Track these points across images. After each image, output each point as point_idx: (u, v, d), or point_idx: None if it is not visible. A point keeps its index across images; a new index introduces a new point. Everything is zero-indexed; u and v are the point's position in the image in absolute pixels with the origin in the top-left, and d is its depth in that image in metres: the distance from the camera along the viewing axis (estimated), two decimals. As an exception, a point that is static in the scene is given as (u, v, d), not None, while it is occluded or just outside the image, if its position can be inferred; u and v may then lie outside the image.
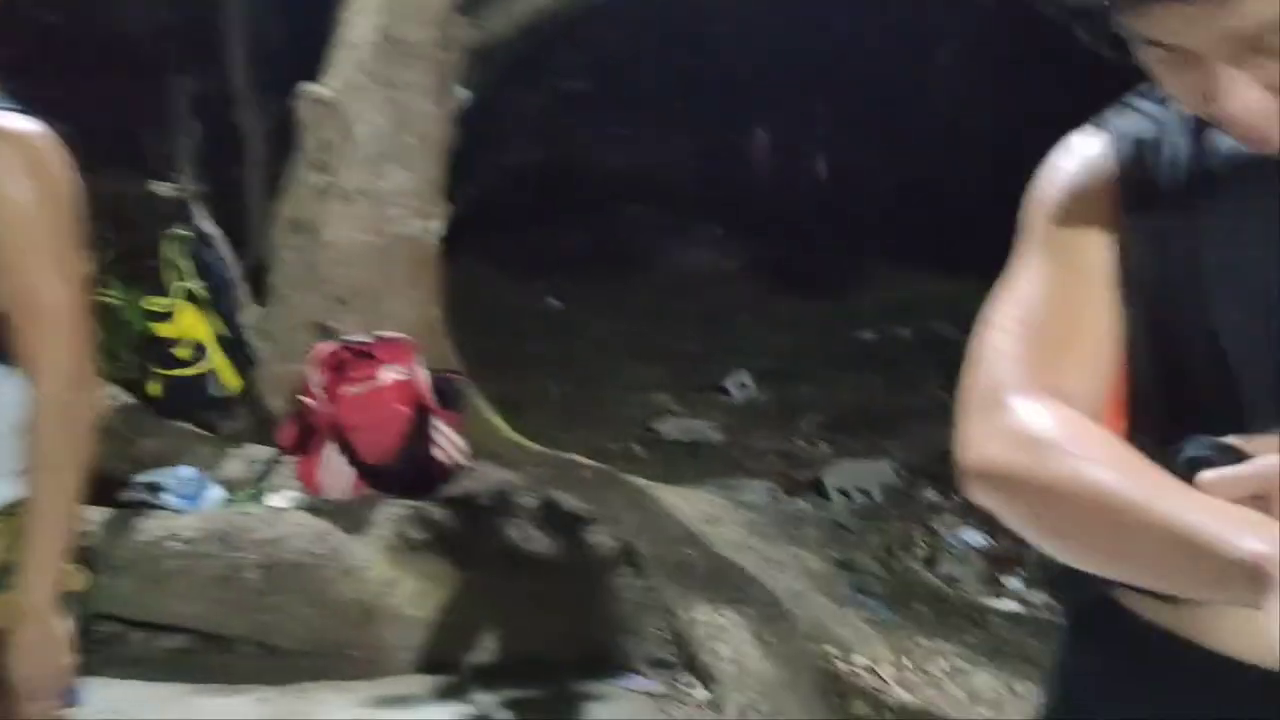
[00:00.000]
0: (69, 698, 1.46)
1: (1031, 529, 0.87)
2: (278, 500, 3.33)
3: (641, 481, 3.53)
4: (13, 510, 1.40)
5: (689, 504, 3.41)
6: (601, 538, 3.20)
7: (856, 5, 7.77)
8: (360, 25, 3.57)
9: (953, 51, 9.37)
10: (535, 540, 3.20)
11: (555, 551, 3.19)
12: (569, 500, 3.32)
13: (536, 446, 3.71)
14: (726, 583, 3.06)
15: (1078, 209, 0.94)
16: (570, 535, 3.22)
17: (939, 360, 7.22)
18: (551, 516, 3.26)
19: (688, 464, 5.75)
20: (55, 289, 1.38)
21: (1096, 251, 0.92)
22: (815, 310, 8.93)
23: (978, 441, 0.89)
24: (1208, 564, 0.72)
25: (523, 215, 9.91)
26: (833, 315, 8.75)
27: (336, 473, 3.28)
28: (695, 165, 11.67)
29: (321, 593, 3.09)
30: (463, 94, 4.07)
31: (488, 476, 3.39)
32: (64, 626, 1.41)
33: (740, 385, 7.13)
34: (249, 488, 3.38)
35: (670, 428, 6.24)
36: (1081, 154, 0.96)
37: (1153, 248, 0.90)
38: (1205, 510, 0.74)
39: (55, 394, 1.37)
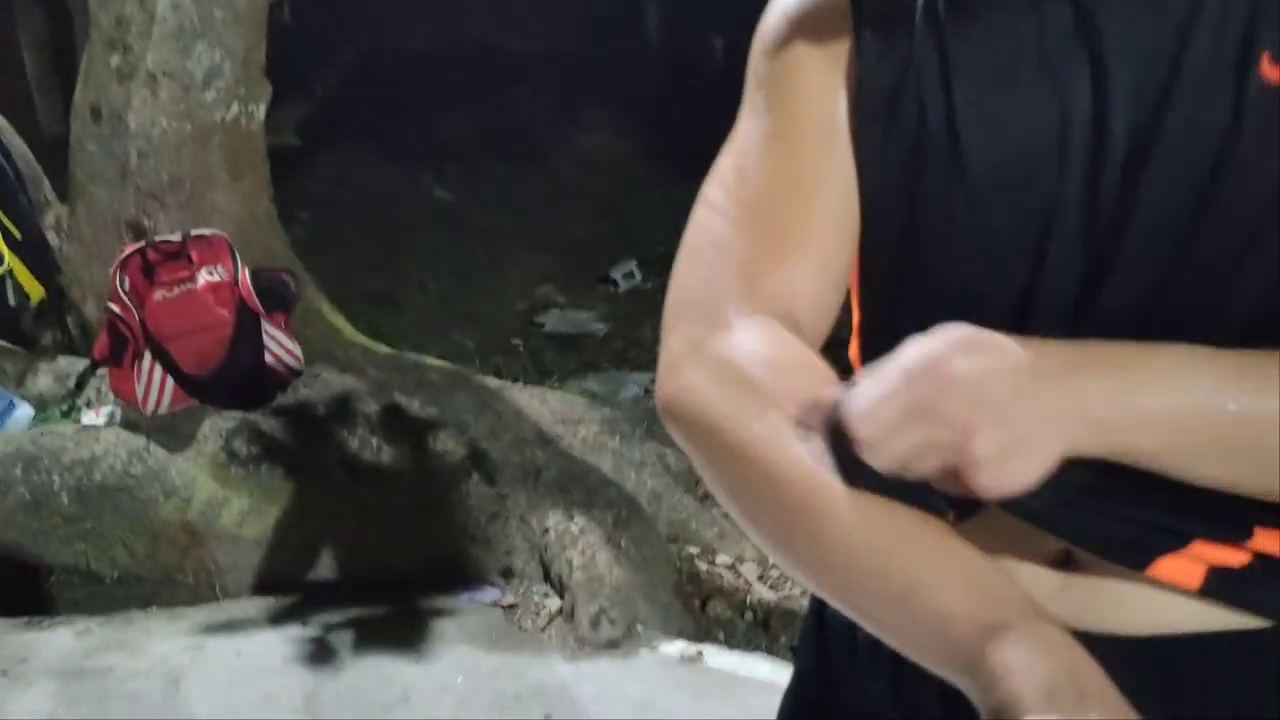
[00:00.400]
0: None
1: (724, 498, 0.67)
2: (92, 417, 3.04)
3: (494, 383, 3.31)
4: None
5: (545, 405, 3.20)
6: (449, 444, 2.98)
7: None
8: None
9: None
10: (377, 449, 2.97)
11: (398, 460, 2.97)
12: (414, 405, 3.09)
13: (383, 348, 3.45)
14: (581, 486, 2.88)
15: (804, 36, 0.71)
16: (415, 443, 3.00)
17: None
18: (394, 423, 3.03)
19: (570, 357, 5.57)
20: None
21: (825, 95, 0.70)
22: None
23: (677, 366, 0.69)
24: (933, 637, 0.54)
25: (408, 102, 9.47)
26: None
27: (154, 385, 3.00)
28: (588, 44, 11.21)
29: (142, 515, 2.85)
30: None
31: (326, 383, 3.13)
32: None
33: (627, 275, 6.90)
34: (61, 404, 3.09)
35: (554, 321, 6.05)
36: None
37: (891, 82, 0.67)
38: (949, 564, 0.56)
39: None
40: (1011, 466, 0.53)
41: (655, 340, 0.73)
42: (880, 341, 0.62)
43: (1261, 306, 0.60)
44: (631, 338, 5.81)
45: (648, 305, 6.51)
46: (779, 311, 0.69)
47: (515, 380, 3.60)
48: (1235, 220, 0.60)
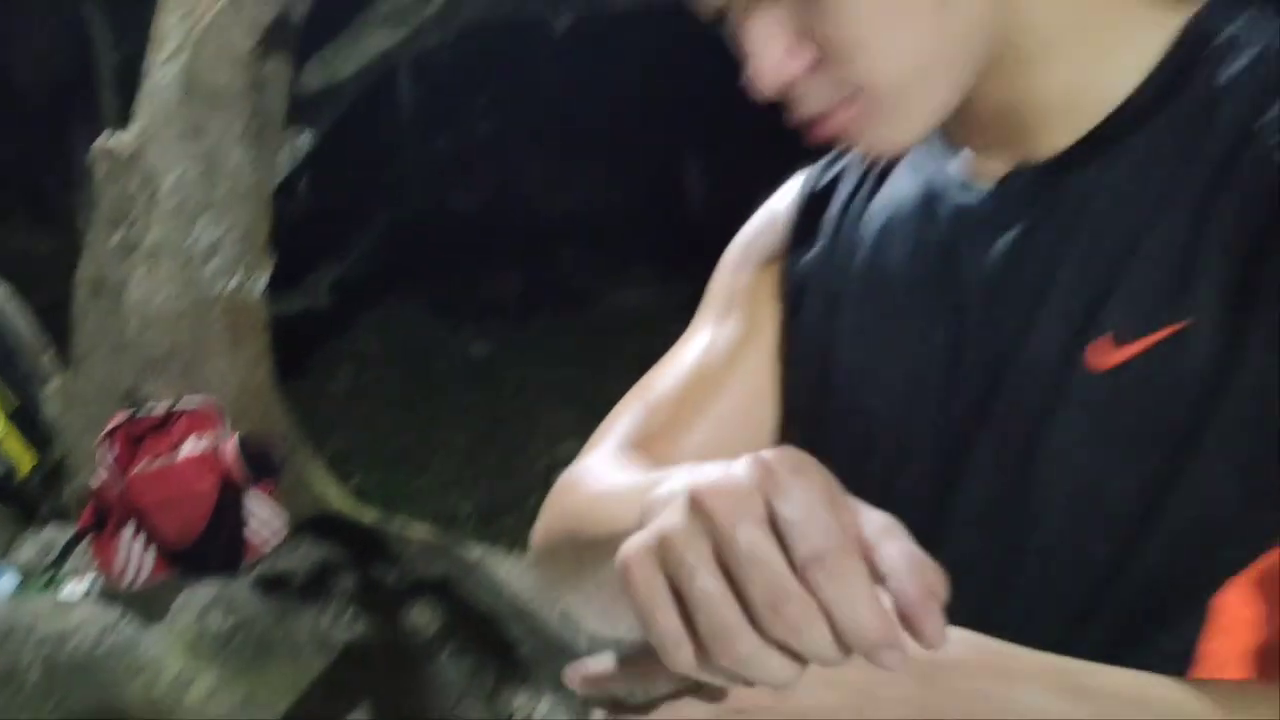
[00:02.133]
0: None
1: (577, 597, 0.71)
2: (74, 587, 3.04)
3: (477, 552, 3.25)
4: None
5: (526, 577, 3.13)
6: (423, 618, 2.91)
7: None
8: (163, 71, 3.32)
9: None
10: (350, 623, 2.91)
11: (370, 636, 2.90)
12: (391, 576, 3.04)
13: (370, 514, 3.42)
14: (553, 666, 2.78)
15: (750, 258, 0.78)
16: (388, 616, 2.93)
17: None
18: (369, 597, 2.98)
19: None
20: None
21: (757, 307, 0.76)
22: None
23: (540, 520, 0.75)
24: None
25: (453, 259, 9.75)
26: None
27: (134, 556, 2.99)
28: (630, 203, 11.49)
29: (108, 693, 2.80)
30: (301, 137, 3.83)
31: (306, 554, 3.11)
32: None
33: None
34: (44, 575, 3.09)
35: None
36: (781, 194, 0.79)
37: (808, 306, 0.73)
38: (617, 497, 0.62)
39: None
40: None
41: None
42: None
43: (1049, 586, 0.59)
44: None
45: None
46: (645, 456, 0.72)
47: (520, 543, 3.53)
48: (1048, 506, 0.58)
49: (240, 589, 2.98)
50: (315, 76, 3.82)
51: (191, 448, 3.03)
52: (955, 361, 0.62)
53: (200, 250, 3.32)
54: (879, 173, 0.72)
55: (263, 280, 3.49)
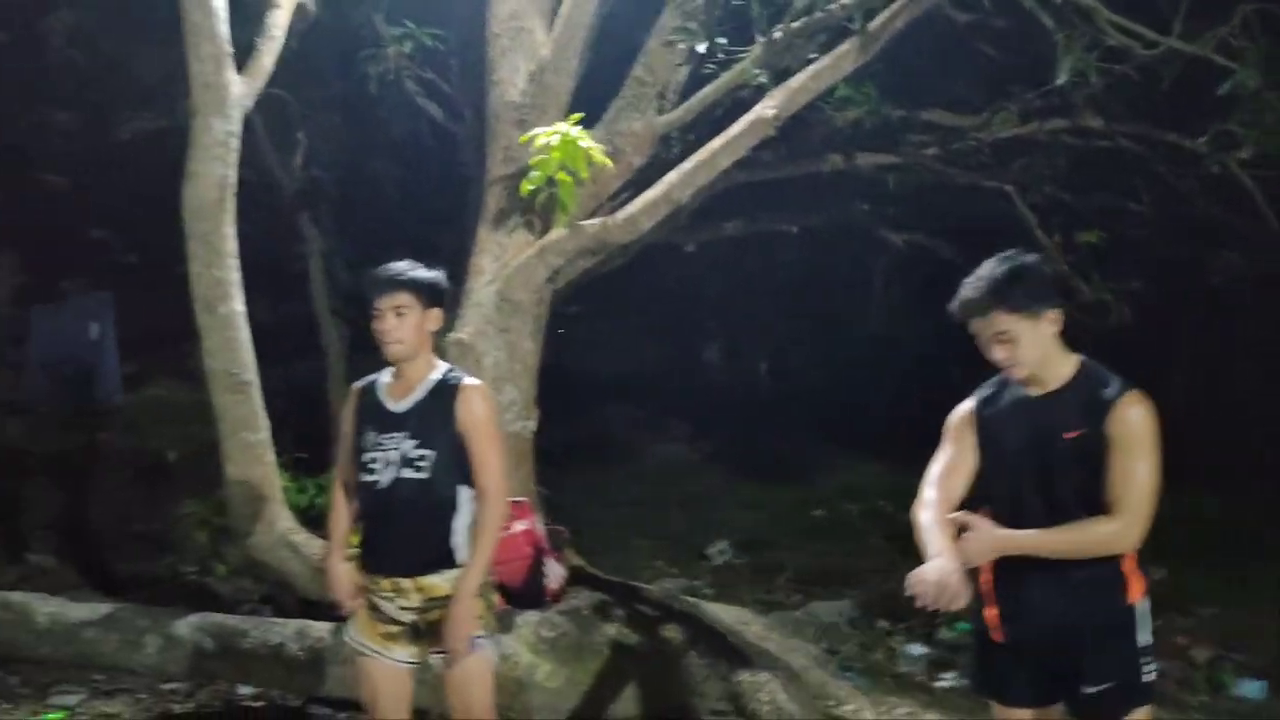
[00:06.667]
0: (475, 646, 2.98)
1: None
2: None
3: (690, 599, 5.05)
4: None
5: (726, 613, 4.92)
6: (672, 633, 4.70)
7: (803, 244, 9.75)
8: (484, 291, 5.26)
9: (882, 283, 11.49)
10: (627, 635, 4.68)
11: (641, 642, 4.67)
12: (645, 607, 4.82)
13: (607, 576, 5.22)
14: (761, 659, 4.56)
15: (959, 420, 2.72)
16: (651, 631, 4.71)
17: (880, 529, 8.88)
18: (635, 619, 4.76)
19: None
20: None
21: (966, 437, 2.68)
22: (775, 494, 10.60)
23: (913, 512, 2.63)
24: None
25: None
26: (791, 497, 10.42)
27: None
28: (666, 370, 13.49)
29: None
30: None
31: (584, 596, 4.89)
32: (479, 604, 2.94)
33: (720, 551, 8.67)
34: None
35: (669, 585, 7.69)
36: (972, 395, 2.73)
37: (984, 433, 2.66)
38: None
39: (493, 497, 2.96)
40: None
41: (752, 600, 2.37)
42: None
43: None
44: (733, 596, 7.46)
45: (741, 574, 8.23)
46: (942, 493, 2.63)
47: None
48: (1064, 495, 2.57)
49: (552, 614, 4.74)
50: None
51: (518, 527, 4.83)
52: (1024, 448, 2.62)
53: (503, 405, 5.19)
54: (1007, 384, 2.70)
55: (533, 424, 5.36)
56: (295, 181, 8.21)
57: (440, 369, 3.16)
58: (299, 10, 5.18)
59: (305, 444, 6.70)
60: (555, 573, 4.87)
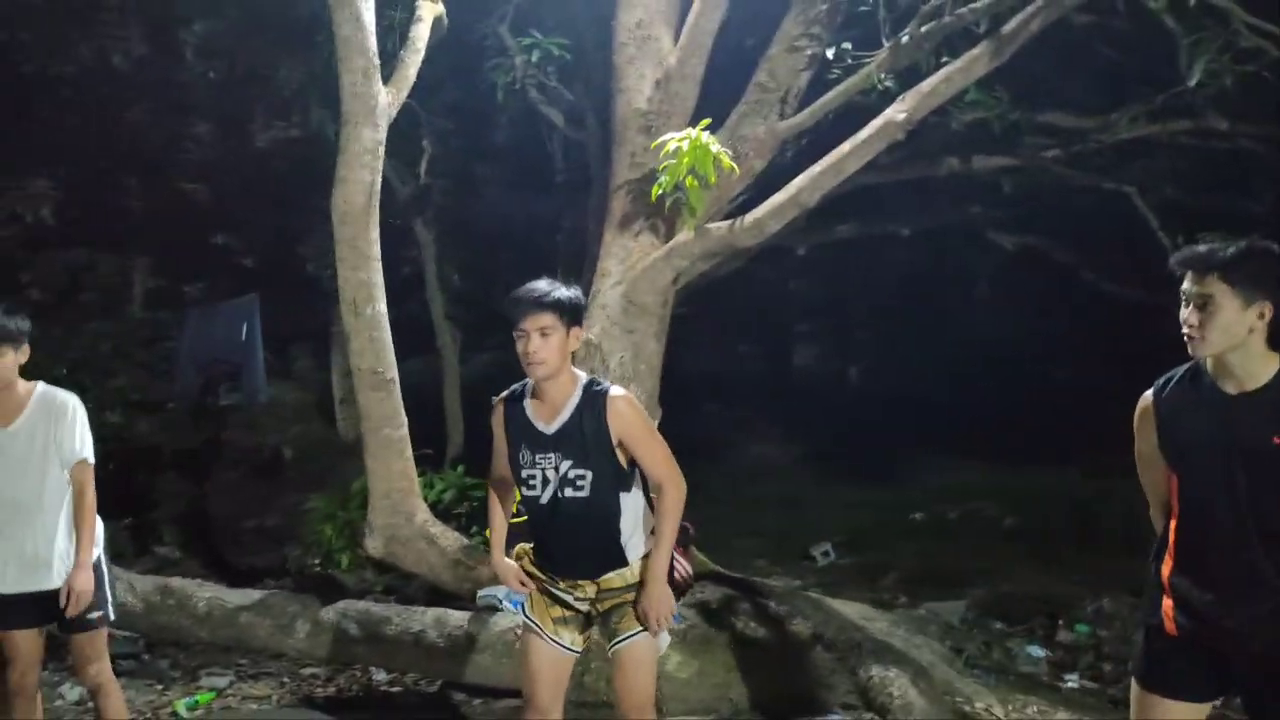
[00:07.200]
0: (675, 620, 3.18)
1: None
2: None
3: (815, 594, 5.13)
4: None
5: (848, 609, 4.99)
6: (799, 628, 4.78)
7: (911, 247, 9.73)
8: (610, 293, 5.41)
9: (985, 289, 11.42)
10: (754, 629, 4.78)
11: (768, 636, 4.76)
12: (769, 605, 4.92)
13: (729, 573, 5.33)
14: (887, 654, 4.63)
15: (1139, 412, 2.69)
16: (776, 627, 4.81)
17: (981, 532, 8.84)
18: (761, 613, 4.86)
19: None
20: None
21: (1146, 431, 2.67)
22: (871, 496, 10.60)
23: None
24: None
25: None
26: (888, 499, 10.41)
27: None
28: (757, 371, 13.56)
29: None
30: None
31: (710, 590, 5.00)
32: (667, 586, 3.13)
33: (824, 553, 8.71)
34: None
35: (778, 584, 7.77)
36: (1152, 386, 2.68)
37: (1164, 428, 2.63)
38: None
39: (670, 486, 3.10)
40: None
41: (859, 595, 2.33)
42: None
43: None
44: (843, 596, 7.51)
45: (846, 575, 8.26)
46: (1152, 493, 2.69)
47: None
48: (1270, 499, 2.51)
49: (680, 607, 4.85)
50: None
51: (646, 522, 4.95)
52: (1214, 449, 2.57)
53: (630, 402, 5.33)
54: (1193, 371, 2.66)
55: (655, 422, 5.48)
56: (410, 188, 8.47)
57: (580, 383, 3.16)
58: (435, 23, 5.39)
59: (424, 442, 6.92)
60: (685, 570, 5.00)
